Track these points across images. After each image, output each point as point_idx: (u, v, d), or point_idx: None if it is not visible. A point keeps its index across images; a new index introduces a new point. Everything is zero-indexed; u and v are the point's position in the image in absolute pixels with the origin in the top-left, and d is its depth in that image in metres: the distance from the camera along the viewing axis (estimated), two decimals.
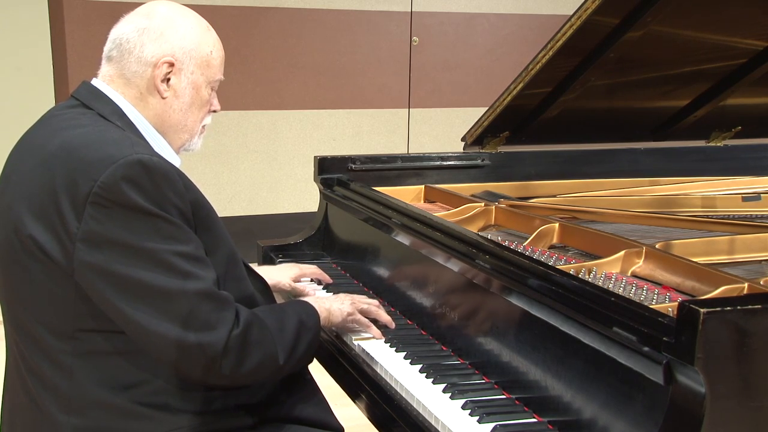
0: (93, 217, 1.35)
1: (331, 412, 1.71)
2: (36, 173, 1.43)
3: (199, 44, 1.57)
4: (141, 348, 1.43)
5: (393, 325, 1.81)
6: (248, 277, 1.62)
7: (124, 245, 1.36)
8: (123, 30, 1.55)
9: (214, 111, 1.66)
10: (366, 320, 1.78)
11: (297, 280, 2.05)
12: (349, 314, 1.76)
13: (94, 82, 1.57)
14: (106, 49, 1.58)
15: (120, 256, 1.36)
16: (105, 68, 1.57)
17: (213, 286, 1.42)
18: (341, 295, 1.82)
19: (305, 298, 1.75)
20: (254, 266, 1.98)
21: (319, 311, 1.66)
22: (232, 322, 1.42)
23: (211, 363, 1.40)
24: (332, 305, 1.74)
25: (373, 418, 1.64)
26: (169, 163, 1.45)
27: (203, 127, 1.65)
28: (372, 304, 1.82)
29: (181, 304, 1.38)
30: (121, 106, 1.53)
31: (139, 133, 1.53)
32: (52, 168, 1.41)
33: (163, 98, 1.55)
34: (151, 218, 1.37)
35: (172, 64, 1.54)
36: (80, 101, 1.54)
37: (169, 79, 1.55)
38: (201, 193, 1.53)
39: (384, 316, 1.81)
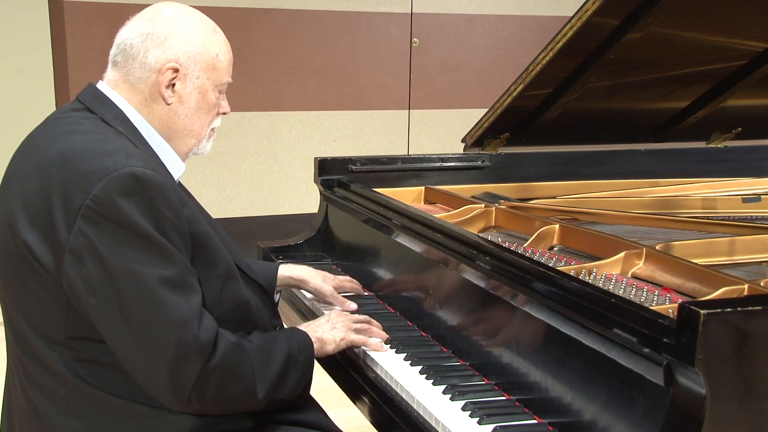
0: (82, 231, 1.35)
1: (330, 418, 1.71)
2: (34, 178, 1.43)
3: (204, 48, 1.54)
4: None
5: (386, 336, 1.77)
6: (246, 286, 1.61)
7: (109, 264, 1.35)
8: (127, 35, 1.53)
9: (224, 113, 1.63)
10: (361, 338, 1.73)
11: (337, 289, 2.00)
12: (342, 339, 1.71)
13: (100, 85, 1.55)
14: (111, 53, 1.55)
15: (104, 274, 1.35)
16: (110, 72, 1.55)
17: (193, 314, 1.39)
18: (333, 317, 1.77)
19: (300, 326, 1.72)
20: (292, 265, 2.00)
21: (312, 341, 1.64)
22: (208, 354, 1.40)
23: (180, 393, 1.39)
24: (324, 334, 1.70)
25: (374, 419, 1.64)
26: (164, 177, 1.43)
27: (212, 130, 1.62)
28: (364, 322, 1.78)
29: (155, 333, 1.37)
30: (125, 112, 1.51)
31: (143, 139, 1.51)
32: (49, 175, 1.40)
33: (168, 104, 1.53)
34: (140, 238, 1.36)
35: (176, 70, 1.51)
36: (84, 105, 1.52)
37: (174, 85, 1.52)
38: (196, 207, 1.52)
39: (378, 333, 1.77)
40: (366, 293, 2.08)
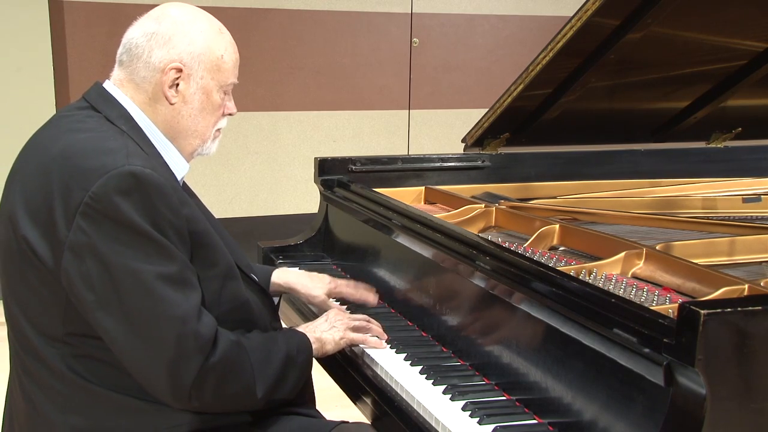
0: (81, 228, 1.35)
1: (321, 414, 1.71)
2: (37, 175, 1.43)
3: (208, 48, 1.53)
4: None
5: (385, 337, 1.77)
6: (247, 287, 1.61)
7: (108, 261, 1.35)
8: (133, 34, 1.53)
9: (230, 114, 1.62)
10: (360, 336, 1.73)
11: (332, 295, 1.94)
12: (341, 338, 1.71)
13: (106, 84, 1.55)
14: (118, 52, 1.56)
15: (103, 270, 1.36)
16: (117, 72, 1.56)
17: (192, 311, 1.40)
18: (332, 316, 1.76)
19: (299, 327, 1.72)
20: (289, 269, 1.97)
21: (311, 341, 1.64)
22: (207, 351, 1.40)
23: (179, 390, 1.39)
24: (323, 334, 1.70)
25: (374, 419, 1.64)
26: (165, 176, 1.43)
27: (217, 131, 1.61)
28: (362, 320, 1.78)
29: (154, 330, 1.37)
30: (129, 111, 1.51)
31: (147, 138, 1.51)
32: (51, 172, 1.41)
33: (172, 104, 1.52)
34: (138, 236, 1.36)
35: (180, 70, 1.51)
36: (89, 103, 1.53)
37: (177, 85, 1.52)
38: (196, 206, 1.52)
39: (377, 332, 1.77)
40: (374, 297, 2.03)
